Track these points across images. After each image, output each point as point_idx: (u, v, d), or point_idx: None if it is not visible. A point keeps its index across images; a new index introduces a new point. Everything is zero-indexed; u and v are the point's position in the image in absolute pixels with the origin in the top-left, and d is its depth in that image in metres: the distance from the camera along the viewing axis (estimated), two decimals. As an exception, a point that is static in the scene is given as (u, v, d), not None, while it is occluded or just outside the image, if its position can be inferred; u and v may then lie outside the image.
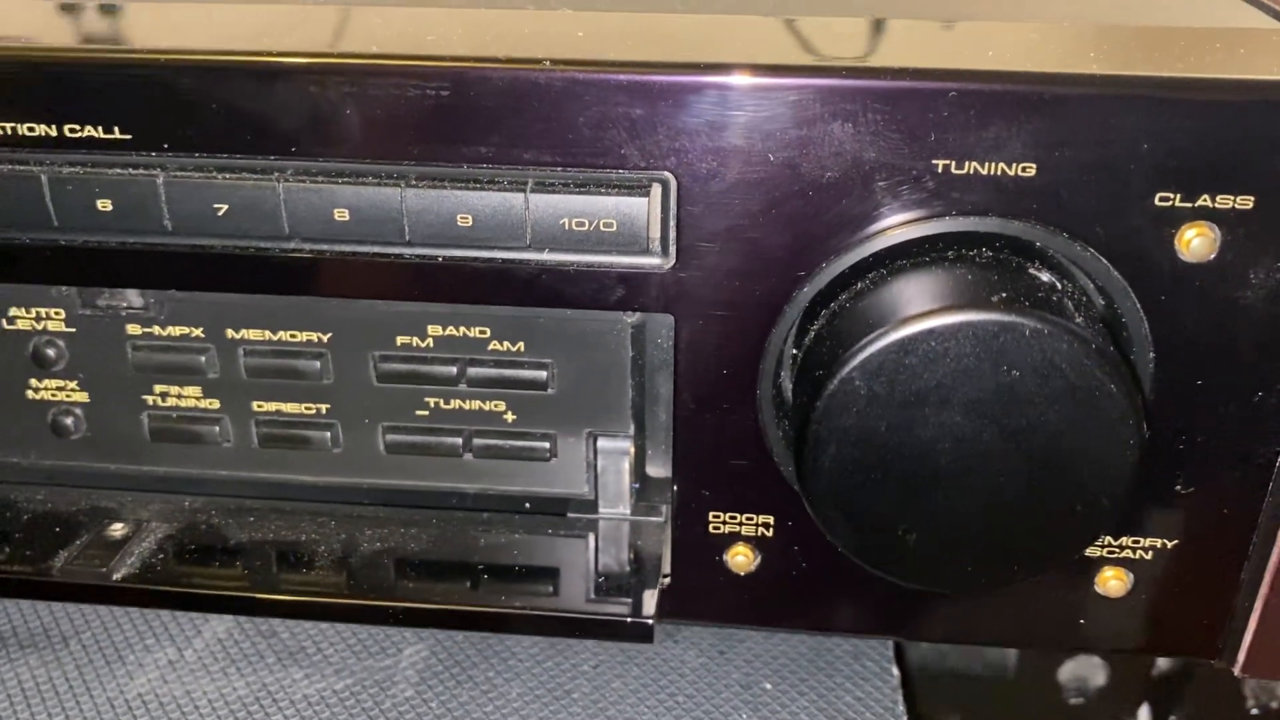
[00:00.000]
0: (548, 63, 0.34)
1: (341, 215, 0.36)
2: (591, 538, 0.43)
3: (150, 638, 0.50)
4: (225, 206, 0.36)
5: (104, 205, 0.37)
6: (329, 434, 0.43)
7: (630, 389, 0.41)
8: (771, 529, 0.40)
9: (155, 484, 0.45)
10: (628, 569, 0.41)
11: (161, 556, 0.41)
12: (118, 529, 0.42)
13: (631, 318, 0.39)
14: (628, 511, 0.43)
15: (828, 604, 0.42)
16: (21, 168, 0.37)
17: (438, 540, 0.43)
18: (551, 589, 0.41)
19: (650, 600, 0.40)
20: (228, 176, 0.36)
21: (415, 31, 0.38)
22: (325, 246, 0.37)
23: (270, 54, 0.35)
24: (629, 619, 0.39)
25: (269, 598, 0.40)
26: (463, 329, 0.41)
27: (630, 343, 0.40)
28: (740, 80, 0.34)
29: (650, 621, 0.39)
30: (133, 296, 0.41)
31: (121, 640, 0.49)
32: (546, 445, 0.42)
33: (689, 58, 0.34)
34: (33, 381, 0.43)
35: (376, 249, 0.37)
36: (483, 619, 0.40)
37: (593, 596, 0.40)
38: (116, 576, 0.40)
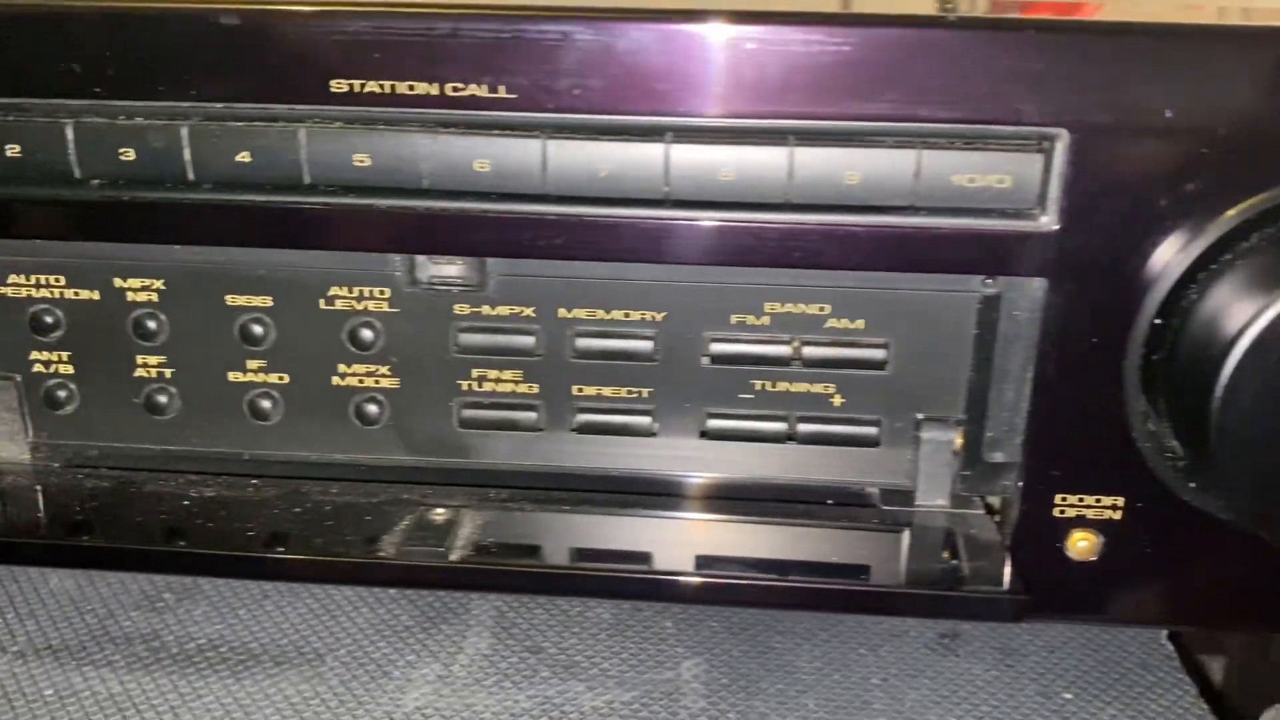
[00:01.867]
0: (952, 19, 0.35)
1: (727, 176, 0.36)
2: (920, 528, 0.41)
3: (410, 654, 0.47)
4: (606, 169, 0.36)
5: (481, 166, 0.36)
6: (649, 419, 0.42)
7: (969, 368, 0.40)
8: (1120, 511, 0.39)
9: (451, 477, 0.43)
10: (971, 554, 0.40)
11: (493, 540, 0.40)
12: (440, 514, 0.40)
13: (989, 288, 0.39)
14: (947, 502, 0.42)
15: (1172, 593, 0.40)
16: (395, 127, 0.36)
17: (759, 532, 0.42)
18: (877, 578, 0.40)
19: (1012, 579, 0.38)
20: (608, 138, 0.36)
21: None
22: (701, 213, 0.37)
23: (672, 13, 0.35)
24: (1003, 596, 0.38)
25: (632, 575, 0.38)
26: (801, 305, 0.40)
27: (976, 318, 0.40)
28: (1142, 34, 0.35)
29: (1024, 598, 0.38)
30: (468, 273, 0.40)
31: (380, 656, 0.47)
32: (874, 431, 0.41)
33: (1087, 15, 0.35)
34: (341, 366, 0.42)
35: (751, 214, 0.37)
36: (850, 597, 0.38)
37: (953, 579, 0.39)
38: (454, 558, 0.39)
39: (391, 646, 0.48)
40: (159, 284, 0.41)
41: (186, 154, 0.37)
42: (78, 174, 0.37)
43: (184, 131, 0.36)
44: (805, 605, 0.42)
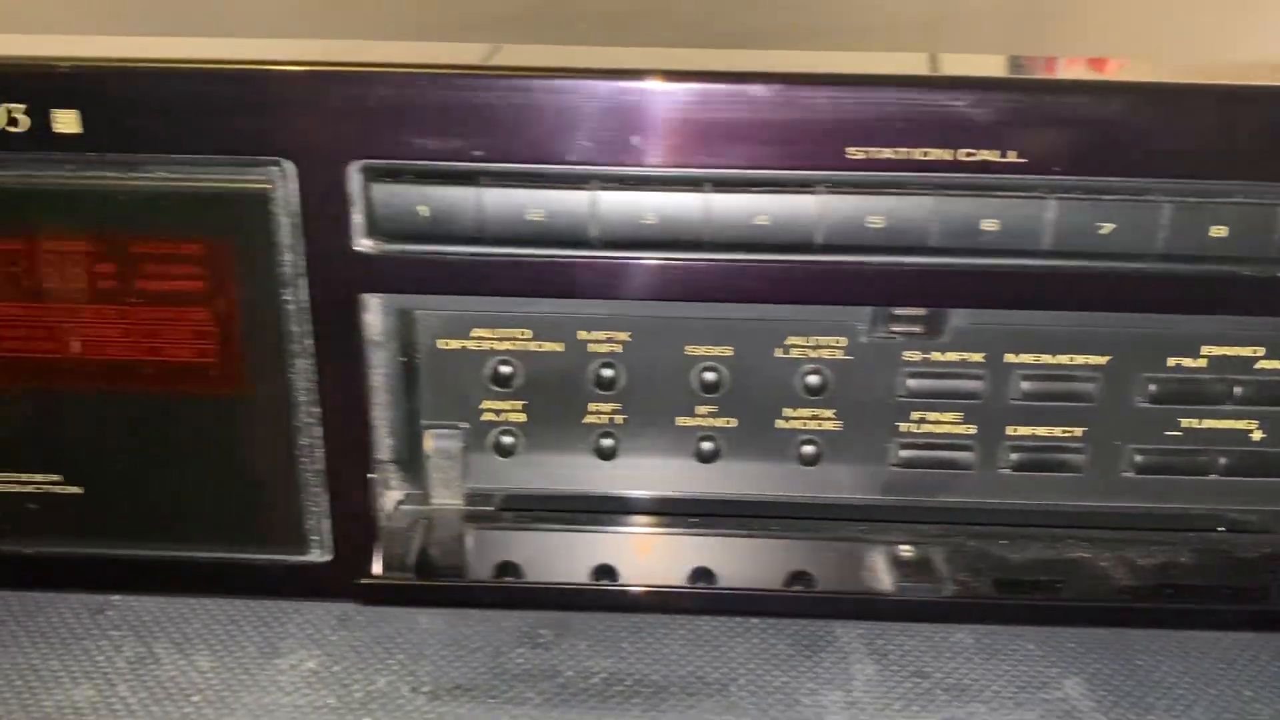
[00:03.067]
0: None
1: (1218, 232, 0.39)
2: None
3: (809, 682, 0.49)
4: (1109, 227, 0.39)
5: (989, 225, 0.39)
6: (1081, 457, 0.44)
7: (1377, 400, 0.44)
8: None
9: (881, 514, 0.46)
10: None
11: (963, 575, 0.42)
12: (906, 550, 0.43)
13: None
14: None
15: None
16: (906, 191, 0.39)
17: (1169, 556, 0.44)
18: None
19: None
20: (1111, 197, 0.39)
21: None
22: (1188, 268, 0.40)
23: (1167, 88, 0.38)
24: None
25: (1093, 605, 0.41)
26: (1236, 348, 0.43)
27: (1391, 355, 0.43)
28: None
29: None
30: (930, 322, 0.43)
31: (780, 685, 0.49)
32: (1292, 461, 0.45)
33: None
34: (786, 410, 0.44)
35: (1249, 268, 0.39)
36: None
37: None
38: (946, 593, 0.41)
39: (785, 675, 0.50)
40: (625, 336, 0.43)
41: (699, 217, 0.39)
42: (595, 236, 0.39)
43: (699, 198, 0.39)
44: (1227, 626, 0.45)
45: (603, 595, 0.44)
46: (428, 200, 0.39)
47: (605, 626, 0.53)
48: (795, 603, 0.43)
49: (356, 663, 0.50)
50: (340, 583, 0.45)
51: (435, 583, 0.42)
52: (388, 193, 0.39)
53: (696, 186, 0.39)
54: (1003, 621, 0.47)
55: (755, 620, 0.53)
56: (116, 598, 0.54)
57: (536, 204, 0.39)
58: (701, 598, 0.44)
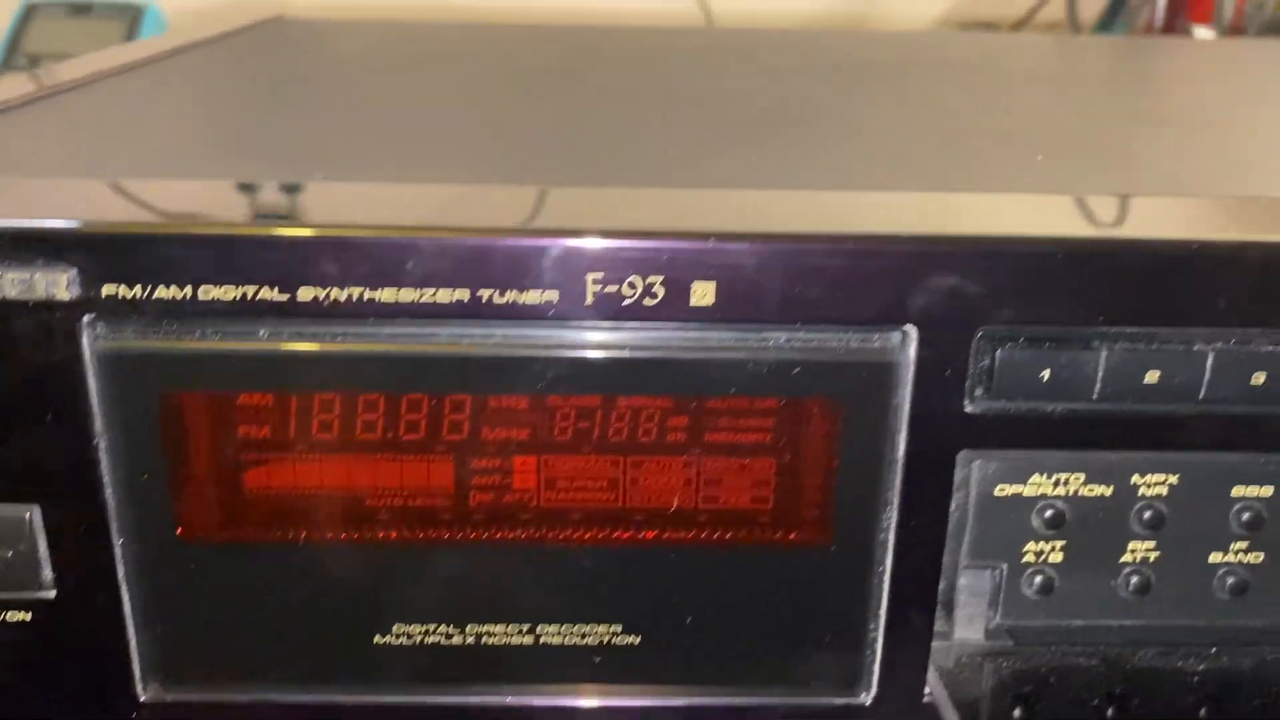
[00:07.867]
0: None
1: None
2: None
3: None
4: None
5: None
6: None
7: None
8: None
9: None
10: None
11: None
12: None
13: None
14: None
15: None
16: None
17: None
18: None
19: None
20: None
21: None
22: None
23: None
24: None
25: None
26: None
27: None
28: None
29: None
30: None
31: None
32: None
33: None
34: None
35: None
36: None
37: None
38: None
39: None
40: (1173, 479, 0.45)
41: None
42: (1204, 395, 0.41)
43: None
44: None
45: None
46: (1046, 363, 0.41)
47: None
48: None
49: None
50: (881, 720, 0.46)
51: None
52: (1010, 357, 0.41)
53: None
54: None
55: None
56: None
57: (1153, 365, 0.41)
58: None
